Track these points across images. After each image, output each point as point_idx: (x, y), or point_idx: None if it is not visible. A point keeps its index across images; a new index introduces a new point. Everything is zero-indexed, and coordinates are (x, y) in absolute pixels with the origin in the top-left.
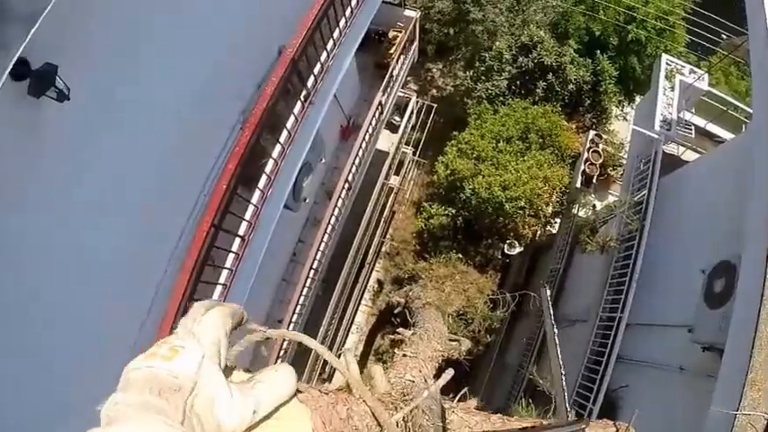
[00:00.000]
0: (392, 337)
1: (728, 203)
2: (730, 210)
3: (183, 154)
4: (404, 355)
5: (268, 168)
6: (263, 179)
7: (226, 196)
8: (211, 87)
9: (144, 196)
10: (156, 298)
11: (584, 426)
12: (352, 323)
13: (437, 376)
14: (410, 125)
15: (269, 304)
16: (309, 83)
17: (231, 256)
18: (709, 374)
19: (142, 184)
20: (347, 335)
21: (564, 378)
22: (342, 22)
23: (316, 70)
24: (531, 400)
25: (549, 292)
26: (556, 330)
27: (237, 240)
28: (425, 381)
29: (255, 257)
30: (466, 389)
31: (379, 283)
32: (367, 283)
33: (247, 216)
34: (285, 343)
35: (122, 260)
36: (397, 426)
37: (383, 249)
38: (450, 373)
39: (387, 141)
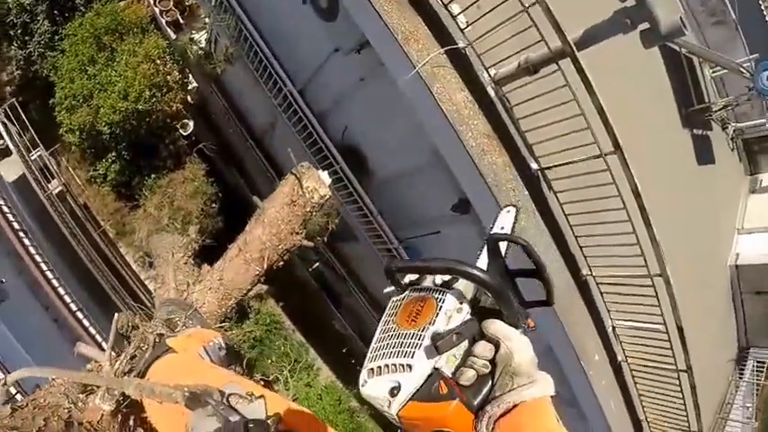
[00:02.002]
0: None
1: None
2: None
3: None
4: (156, 289)
5: None
6: None
7: None
8: None
9: None
10: None
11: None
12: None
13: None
14: (15, 135)
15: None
16: None
17: None
18: (380, 63)
19: None
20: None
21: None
22: None
23: None
24: None
25: None
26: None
27: None
28: (181, 292)
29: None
30: (192, 262)
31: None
32: (129, 269)
33: None
34: None
35: None
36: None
37: (111, 235)
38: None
39: (14, 167)
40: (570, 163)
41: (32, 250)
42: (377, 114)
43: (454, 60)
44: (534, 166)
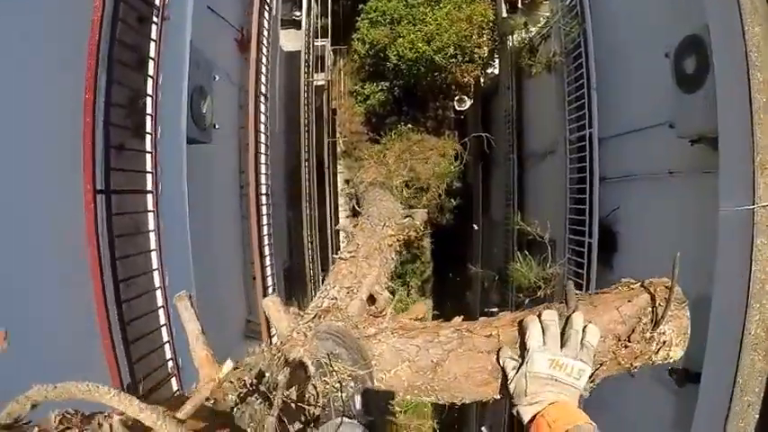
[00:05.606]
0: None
1: None
2: None
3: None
4: (340, 259)
5: (149, 107)
6: (148, 120)
7: (96, 153)
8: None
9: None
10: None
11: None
12: (336, 231)
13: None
14: (313, 16)
15: (240, 247)
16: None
17: (150, 215)
18: (705, 170)
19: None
20: (336, 242)
21: None
22: None
23: None
24: (527, 253)
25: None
26: None
27: (149, 197)
28: (355, 290)
29: (179, 206)
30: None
31: (348, 183)
32: (334, 187)
33: (148, 167)
34: None
35: None
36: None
37: (339, 150)
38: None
39: (296, 40)
40: None
41: (262, 117)
42: (662, 218)
43: None
44: None
